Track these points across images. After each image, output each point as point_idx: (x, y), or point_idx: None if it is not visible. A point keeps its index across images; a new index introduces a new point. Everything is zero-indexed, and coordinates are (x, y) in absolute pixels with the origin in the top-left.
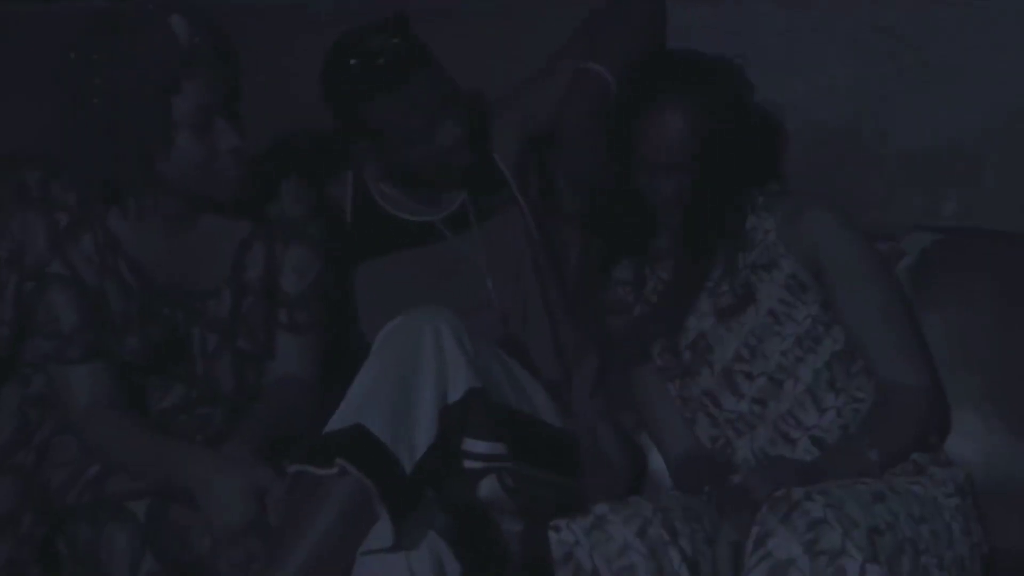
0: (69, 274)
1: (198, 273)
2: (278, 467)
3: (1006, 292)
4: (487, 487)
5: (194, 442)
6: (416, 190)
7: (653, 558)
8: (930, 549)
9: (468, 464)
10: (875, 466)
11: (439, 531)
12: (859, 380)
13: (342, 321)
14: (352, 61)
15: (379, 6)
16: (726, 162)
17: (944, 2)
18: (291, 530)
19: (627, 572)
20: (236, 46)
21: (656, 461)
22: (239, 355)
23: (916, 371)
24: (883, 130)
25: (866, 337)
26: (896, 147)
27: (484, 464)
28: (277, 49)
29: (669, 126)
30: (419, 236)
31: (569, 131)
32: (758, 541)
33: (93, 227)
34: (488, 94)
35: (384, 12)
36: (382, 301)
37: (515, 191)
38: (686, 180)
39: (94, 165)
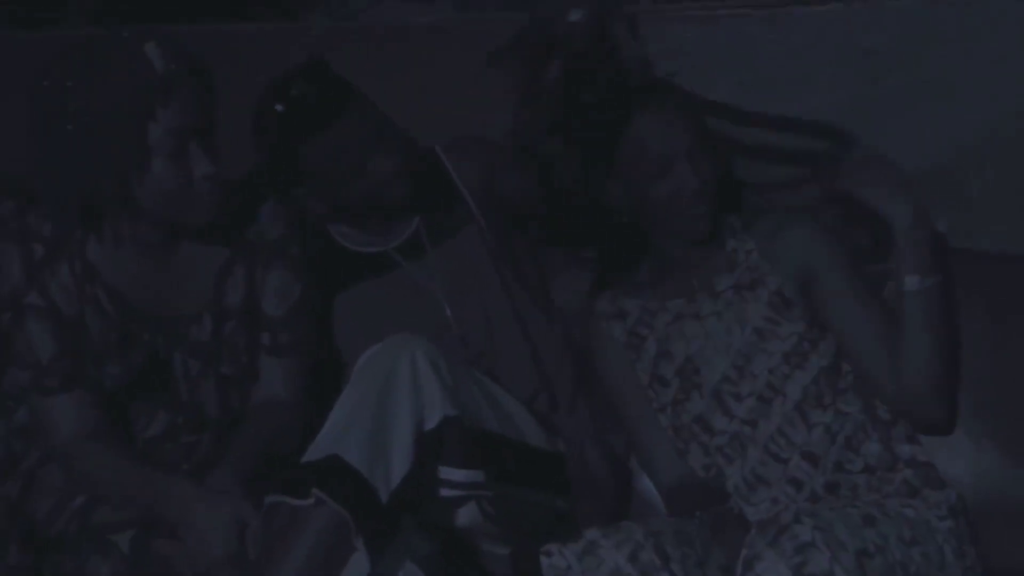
0: (46, 305)
1: (178, 298)
2: (265, 493)
3: (996, 312)
4: (468, 514)
5: (180, 470)
6: (364, 223)
7: None
8: (921, 572)
9: (445, 492)
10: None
11: (419, 560)
12: (847, 396)
13: (324, 340)
14: (278, 107)
15: (371, 24)
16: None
17: (933, 23)
18: (269, 561)
19: None
20: (212, 73)
21: (643, 481)
22: (222, 379)
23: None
24: (873, 150)
25: (859, 340)
26: None
27: (462, 492)
28: (271, 66)
29: (671, 117)
30: (375, 267)
31: None
32: (747, 564)
33: (70, 256)
34: (479, 108)
35: (378, 29)
36: (347, 334)
37: (473, 208)
38: (705, 169)
39: (68, 191)
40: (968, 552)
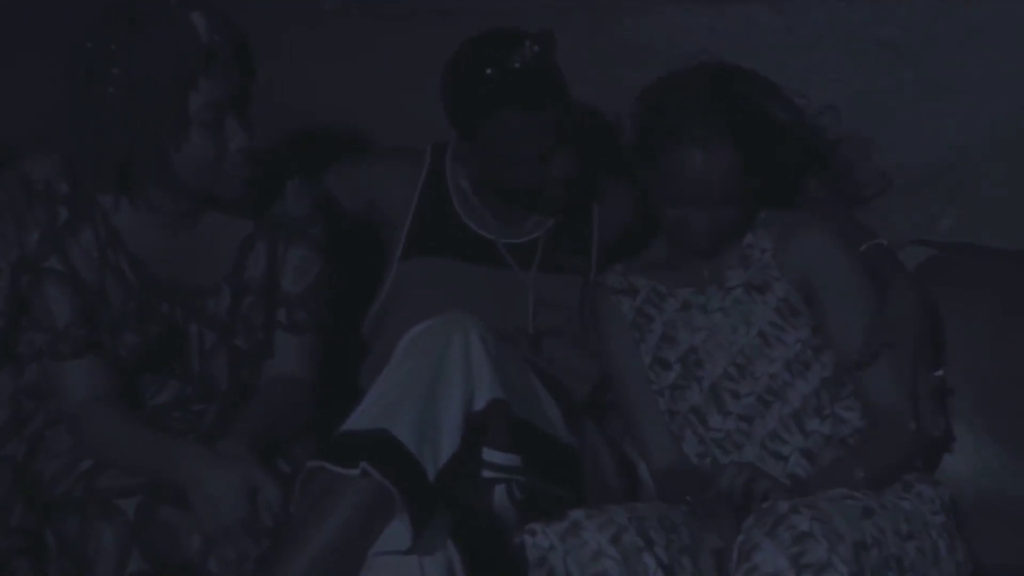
0: (66, 270)
1: (199, 270)
2: (272, 466)
3: (1001, 308)
4: (499, 496)
5: (187, 439)
6: (494, 201)
7: (627, 564)
8: (916, 567)
9: (486, 474)
10: (861, 483)
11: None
12: (847, 402)
13: (341, 320)
14: (488, 71)
15: (379, 2)
16: (762, 185)
17: (944, 17)
18: (306, 524)
19: None
20: (253, 48)
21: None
22: (236, 352)
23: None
24: (881, 144)
25: (851, 357)
26: (894, 161)
27: (498, 475)
28: (279, 40)
29: (712, 162)
30: (474, 251)
31: None
32: (744, 554)
33: (94, 221)
34: None
35: (388, 6)
36: (411, 301)
37: (593, 262)
38: (724, 213)
39: (104, 155)
40: (960, 548)
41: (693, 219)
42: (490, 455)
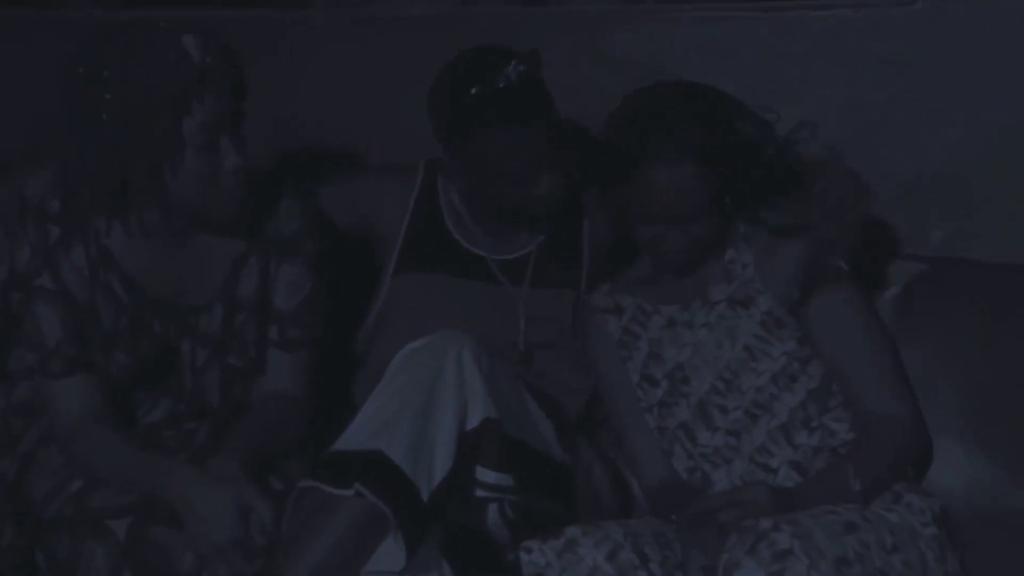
0: (56, 288)
1: (191, 288)
2: (265, 484)
3: (990, 322)
4: (491, 515)
5: (179, 457)
6: (483, 217)
7: None
8: None
9: (478, 493)
10: (858, 495)
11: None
12: (835, 413)
13: (335, 337)
14: (473, 89)
15: (375, 15)
16: (734, 202)
17: (940, 28)
18: (298, 543)
19: None
20: (244, 66)
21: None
22: (228, 370)
23: (898, 402)
24: (872, 157)
25: (846, 369)
26: (885, 174)
27: (491, 494)
28: (270, 57)
29: (680, 179)
30: (466, 267)
31: None
32: (726, 571)
33: (86, 240)
34: None
35: (380, 20)
36: (404, 316)
37: (584, 276)
38: (697, 229)
39: (100, 178)
40: (950, 558)
41: (667, 236)
42: (483, 474)
